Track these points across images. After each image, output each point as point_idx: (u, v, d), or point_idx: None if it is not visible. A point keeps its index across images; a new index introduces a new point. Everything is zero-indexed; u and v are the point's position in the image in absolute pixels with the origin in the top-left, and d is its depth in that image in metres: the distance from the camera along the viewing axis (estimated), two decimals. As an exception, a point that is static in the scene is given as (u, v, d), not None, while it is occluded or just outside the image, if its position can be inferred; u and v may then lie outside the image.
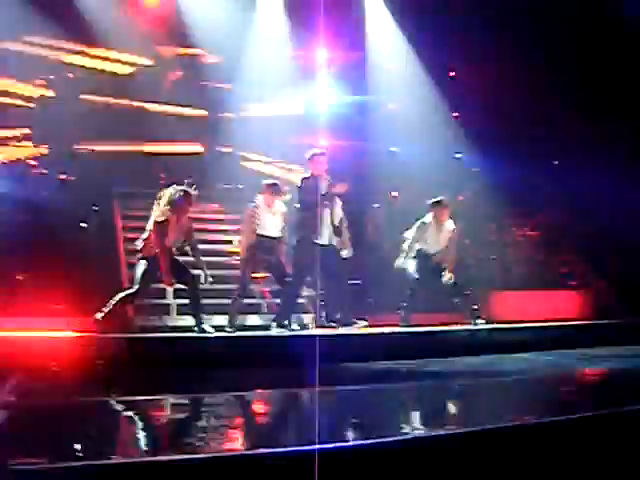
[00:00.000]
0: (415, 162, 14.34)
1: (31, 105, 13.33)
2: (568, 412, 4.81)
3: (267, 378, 7.14)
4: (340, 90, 14.85)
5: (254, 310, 10.88)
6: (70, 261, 10.57)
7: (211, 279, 9.20)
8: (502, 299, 12.24)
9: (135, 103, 14.03)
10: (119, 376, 7.05)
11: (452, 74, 15.88)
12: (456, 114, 15.56)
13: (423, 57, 14.63)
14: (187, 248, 9.15)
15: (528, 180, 14.31)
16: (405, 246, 10.46)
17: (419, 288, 10.39)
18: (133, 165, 13.30)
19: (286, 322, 9.50)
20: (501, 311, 11.64)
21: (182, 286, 9.22)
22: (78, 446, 4.08)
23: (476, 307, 10.56)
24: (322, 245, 9.48)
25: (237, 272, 9.93)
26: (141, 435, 4.75)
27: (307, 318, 10.77)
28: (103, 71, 13.90)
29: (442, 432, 4.41)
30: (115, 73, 14.05)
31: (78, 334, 8.31)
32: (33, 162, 13.08)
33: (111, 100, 13.94)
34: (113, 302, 8.76)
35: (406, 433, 4.60)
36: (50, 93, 13.50)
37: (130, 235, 11.95)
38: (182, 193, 9.00)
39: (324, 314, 9.79)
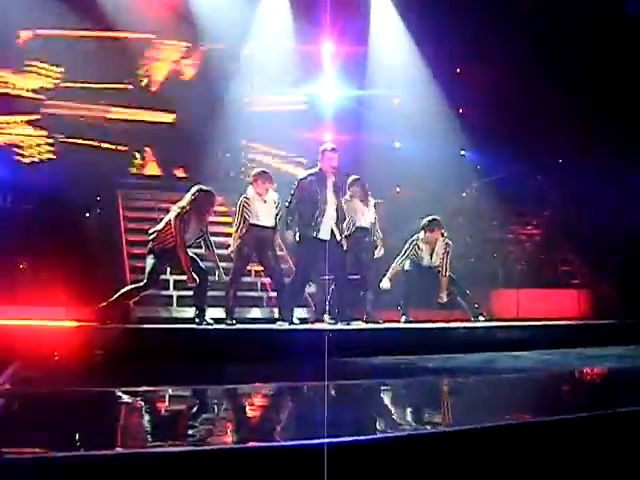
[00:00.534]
0: (418, 158, 14.34)
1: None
2: (564, 412, 4.80)
3: (268, 372, 7.15)
4: (343, 84, 14.85)
5: (255, 303, 10.89)
6: (72, 251, 10.58)
7: (225, 276, 9.25)
8: (503, 297, 12.25)
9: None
10: (118, 367, 7.05)
11: (457, 70, 15.88)
12: (460, 110, 15.56)
13: (427, 52, 14.63)
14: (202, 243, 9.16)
15: (531, 178, 14.32)
16: (394, 264, 10.47)
17: (415, 284, 10.39)
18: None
19: (289, 317, 9.50)
20: (501, 309, 11.65)
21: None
22: (75, 436, 4.08)
23: (477, 304, 10.59)
24: (322, 240, 9.46)
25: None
26: (139, 426, 4.75)
27: (308, 313, 10.79)
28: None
29: (439, 429, 4.41)
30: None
31: (78, 324, 8.32)
32: (36, 149, 13.12)
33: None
34: (119, 294, 8.76)
35: (403, 429, 4.60)
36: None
37: (132, 225, 12.01)
38: (205, 193, 9.01)
39: (335, 311, 9.77)
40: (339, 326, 9.42)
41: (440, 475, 3.83)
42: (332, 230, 9.54)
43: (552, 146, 14.63)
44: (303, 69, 14.67)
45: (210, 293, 9.25)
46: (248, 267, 10.04)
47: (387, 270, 10.44)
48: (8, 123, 13.18)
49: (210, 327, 8.78)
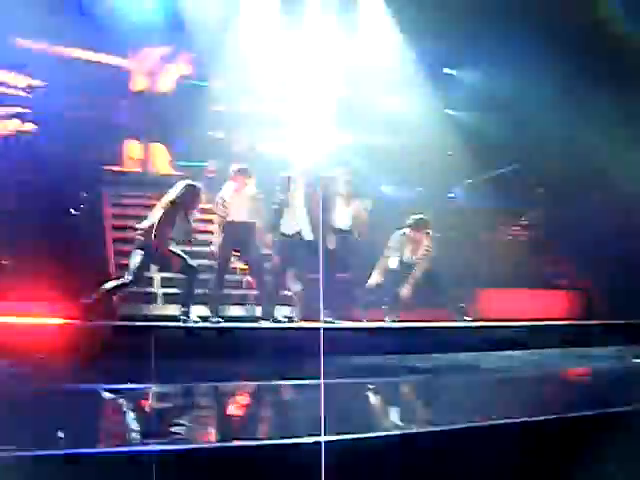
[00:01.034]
0: (406, 156, 14.33)
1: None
2: (550, 412, 4.79)
3: (253, 370, 7.11)
4: (330, 82, 14.79)
5: (239, 301, 10.84)
6: (57, 247, 10.50)
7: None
8: (489, 297, 12.24)
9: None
10: (103, 364, 7.01)
11: (448, 70, 15.88)
12: (449, 110, 15.57)
13: (418, 52, 14.62)
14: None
15: (518, 178, 14.32)
16: (380, 262, 10.47)
17: (399, 282, 10.38)
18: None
19: (269, 314, 9.49)
20: (488, 309, 11.64)
21: (181, 275, 9.17)
22: (59, 434, 4.03)
23: (462, 304, 10.60)
24: (287, 235, 9.48)
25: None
26: (123, 424, 4.71)
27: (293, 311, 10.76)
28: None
29: (424, 429, 4.38)
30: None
31: (62, 320, 8.26)
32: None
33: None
34: (104, 289, 8.71)
35: (386, 429, 4.58)
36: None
37: (117, 223, 11.95)
38: (192, 188, 8.96)
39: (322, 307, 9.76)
40: (323, 324, 9.39)
41: (426, 473, 3.81)
42: (302, 229, 9.54)
43: (541, 145, 14.62)
44: (291, 67, 14.62)
45: (196, 291, 9.24)
46: (232, 265, 9.98)
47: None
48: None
49: (195, 325, 8.74)
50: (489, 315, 11.14)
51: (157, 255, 8.84)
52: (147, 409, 5.41)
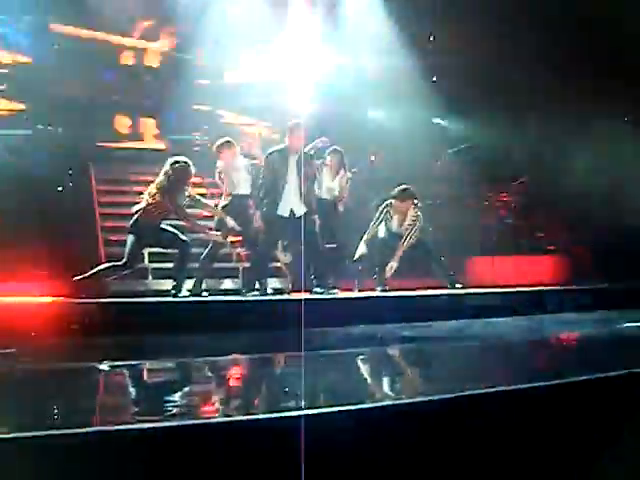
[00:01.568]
0: (393, 126, 14.30)
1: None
2: (541, 379, 4.80)
3: (244, 343, 7.13)
4: (315, 52, 14.71)
5: (229, 274, 10.85)
6: (45, 225, 10.47)
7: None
8: (478, 264, 12.27)
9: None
10: (94, 341, 7.01)
11: (431, 37, 15.78)
12: (434, 78, 15.50)
13: (400, 18, 14.52)
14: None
15: (506, 145, 14.29)
16: (369, 229, 10.47)
17: (389, 252, 10.39)
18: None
19: (257, 286, 9.50)
20: (477, 276, 11.67)
21: (173, 251, 9.17)
22: (53, 413, 4.04)
23: (452, 272, 10.63)
24: (282, 217, 9.47)
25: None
26: (115, 402, 4.71)
27: (284, 283, 10.78)
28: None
29: (416, 399, 4.39)
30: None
31: (52, 299, 8.26)
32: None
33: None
34: (96, 270, 8.72)
35: (379, 399, 4.60)
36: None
37: (105, 199, 11.93)
38: (181, 164, 8.93)
39: (312, 278, 9.77)
40: (314, 295, 9.42)
41: (416, 444, 3.82)
42: (294, 207, 9.51)
43: (527, 112, 14.59)
44: (273, 35, 14.53)
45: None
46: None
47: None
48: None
49: (185, 299, 8.76)
50: (479, 282, 11.17)
51: (153, 235, 8.84)
52: (137, 386, 5.41)
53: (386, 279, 10.29)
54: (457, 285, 10.37)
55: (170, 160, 8.96)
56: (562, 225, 13.88)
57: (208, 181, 11.45)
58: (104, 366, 5.96)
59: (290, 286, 10.61)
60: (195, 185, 11.27)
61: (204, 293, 9.32)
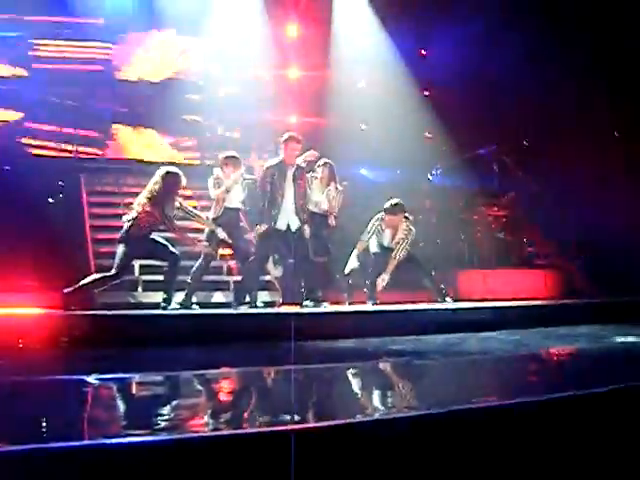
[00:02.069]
0: (385, 140, 14.32)
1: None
2: (532, 394, 4.80)
3: (234, 356, 7.10)
4: (308, 65, 14.78)
5: (220, 287, 10.83)
6: (35, 236, 10.44)
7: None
8: (469, 278, 12.28)
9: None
10: (83, 354, 6.98)
11: (422, 51, 15.86)
12: (426, 92, 15.56)
13: (392, 32, 14.59)
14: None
15: (497, 159, 14.34)
16: (358, 245, 10.48)
17: (381, 267, 10.39)
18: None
19: (247, 300, 9.49)
20: (468, 290, 11.68)
21: (163, 263, 9.16)
22: (40, 427, 4.01)
23: (443, 286, 10.63)
24: (278, 230, 9.45)
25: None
26: (104, 415, 4.68)
27: (274, 296, 10.76)
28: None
29: (407, 413, 4.38)
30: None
31: (42, 310, 8.22)
32: None
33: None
34: (86, 281, 8.69)
35: (372, 413, 4.58)
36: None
37: (95, 210, 11.92)
38: (172, 174, 8.93)
39: (303, 291, 9.75)
40: (304, 309, 9.41)
41: (408, 459, 3.80)
42: (290, 221, 9.50)
43: (518, 127, 14.66)
44: (266, 49, 14.61)
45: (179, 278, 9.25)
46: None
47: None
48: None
49: (175, 312, 8.74)
50: (470, 296, 11.18)
51: (143, 245, 8.83)
52: (126, 399, 5.38)
53: (377, 292, 10.28)
54: (448, 299, 10.37)
55: (161, 170, 8.96)
56: (552, 239, 13.91)
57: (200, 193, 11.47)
58: (93, 379, 5.92)
59: (280, 299, 10.58)
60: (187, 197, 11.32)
61: (194, 306, 9.31)
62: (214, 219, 9.65)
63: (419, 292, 10.75)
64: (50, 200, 11.50)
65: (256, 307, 9.49)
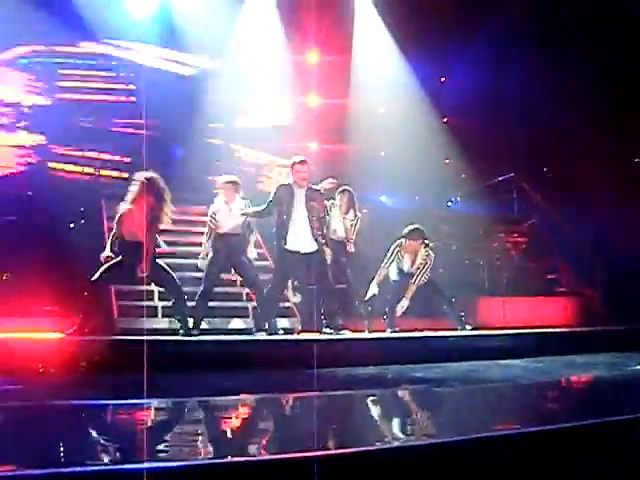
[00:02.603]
0: (404, 167, 14.34)
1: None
2: (552, 421, 4.77)
3: (254, 383, 7.09)
4: (328, 93, 14.86)
5: (238, 314, 10.81)
6: (56, 261, 10.50)
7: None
8: (489, 305, 12.22)
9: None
10: (103, 379, 6.99)
11: (442, 79, 15.90)
12: (445, 119, 15.59)
13: (412, 60, 14.65)
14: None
15: (517, 186, 14.32)
16: (380, 270, 10.46)
17: (400, 294, 10.36)
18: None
19: (267, 326, 9.46)
20: (488, 317, 11.63)
21: (161, 288, 9.12)
22: (60, 451, 4.02)
23: (462, 313, 10.59)
24: (291, 251, 9.43)
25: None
26: (123, 441, 4.68)
27: (294, 323, 10.74)
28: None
29: (427, 441, 4.36)
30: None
31: (62, 335, 8.24)
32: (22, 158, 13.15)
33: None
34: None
35: (392, 441, 4.56)
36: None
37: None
38: (144, 180, 8.65)
39: (322, 318, 9.71)
40: (324, 336, 9.38)
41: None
42: (302, 243, 9.47)
43: (537, 153, 14.66)
44: (287, 79, 14.72)
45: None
46: (222, 276, 9.95)
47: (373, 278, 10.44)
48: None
49: (195, 339, 8.74)
50: (490, 323, 11.13)
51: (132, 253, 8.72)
52: (144, 425, 5.38)
53: (396, 319, 10.25)
54: (467, 327, 10.32)
55: (138, 175, 8.73)
56: (572, 266, 13.84)
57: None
58: (111, 404, 5.92)
59: (299, 326, 10.56)
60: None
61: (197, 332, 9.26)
62: (214, 245, 9.63)
63: (438, 319, 10.72)
64: (71, 226, 11.56)
65: (275, 334, 9.45)
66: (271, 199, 9.49)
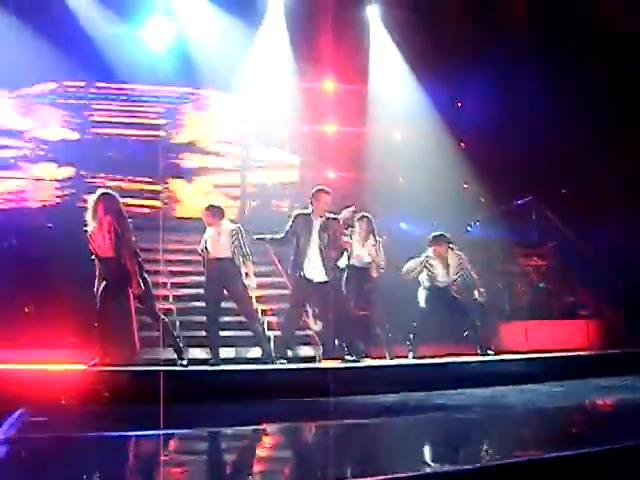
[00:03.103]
0: (422, 192, 14.35)
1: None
2: (576, 446, 4.74)
3: (276, 411, 7.09)
4: (345, 121, 14.93)
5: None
6: (79, 293, 10.54)
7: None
8: (511, 330, 12.16)
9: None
10: (124, 410, 7.01)
11: (458, 103, 15.93)
12: (462, 143, 15.61)
13: (427, 86, 14.71)
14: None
15: (535, 209, 14.29)
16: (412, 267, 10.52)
17: (428, 320, 10.36)
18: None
19: (288, 353, 9.45)
20: (510, 342, 11.57)
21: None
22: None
23: (484, 338, 10.56)
24: (308, 279, 9.43)
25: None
26: (149, 472, 4.70)
27: (314, 350, 10.71)
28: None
29: (451, 467, 4.35)
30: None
31: (84, 367, 8.27)
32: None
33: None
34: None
35: (416, 468, 4.54)
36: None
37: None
38: (100, 197, 8.70)
39: (344, 345, 9.69)
40: (345, 364, 9.36)
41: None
42: (316, 272, 9.47)
43: (555, 176, 14.63)
44: (304, 107, 14.82)
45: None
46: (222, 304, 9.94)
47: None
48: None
49: (216, 368, 8.77)
50: (512, 348, 11.08)
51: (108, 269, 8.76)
52: (166, 456, 5.38)
53: (418, 345, 10.25)
54: (489, 351, 10.28)
55: (98, 192, 8.84)
56: (593, 289, 13.77)
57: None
58: (132, 435, 5.94)
59: (321, 354, 10.54)
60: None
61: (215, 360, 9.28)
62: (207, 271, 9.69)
63: (460, 344, 10.67)
64: (92, 258, 11.62)
65: (291, 360, 9.42)
66: (289, 228, 9.52)
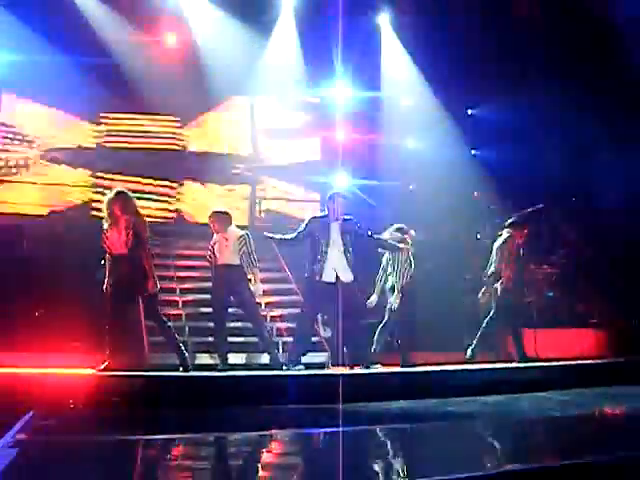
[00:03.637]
0: (434, 200, 14.35)
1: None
2: (586, 454, 4.72)
3: (285, 418, 7.09)
4: (357, 128, 14.95)
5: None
6: (88, 298, 10.57)
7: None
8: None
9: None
10: (135, 414, 7.02)
11: (469, 111, 15.94)
12: (474, 151, 15.61)
13: (440, 93, 14.72)
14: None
15: (546, 216, 14.28)
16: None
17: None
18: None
19: (299, 359, 9.44)
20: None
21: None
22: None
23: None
24: (327, 283, 9.41)
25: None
26: (157, 476, 4.70)
27: (324, 357, 10.70)
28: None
29: (457, 475, 4.33)
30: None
31: (92, 371, 8.29)
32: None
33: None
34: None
35: (428, 476, 4.53)
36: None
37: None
38: (117, 195, 8.71)
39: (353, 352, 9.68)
40: (354, 370, 9.35)
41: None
42: (339, 273, 9.44)
43: (565, 184, 14.62)
44: (316, 115, 14.88)
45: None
46: (229, 310, 9.89)
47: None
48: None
49: (225, 374, 8.77)
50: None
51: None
52: (174, 461, 5.38)
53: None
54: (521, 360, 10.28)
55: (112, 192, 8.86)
56: (603, 297, 13.73)
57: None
58: (139, 440, 5.94)
59: (330, 361, 10.53)
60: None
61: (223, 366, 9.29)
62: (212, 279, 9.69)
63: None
64: (102, 262, 11.65)
65: (299, 367, 9.41)
66: (302, 229, 9.52)
